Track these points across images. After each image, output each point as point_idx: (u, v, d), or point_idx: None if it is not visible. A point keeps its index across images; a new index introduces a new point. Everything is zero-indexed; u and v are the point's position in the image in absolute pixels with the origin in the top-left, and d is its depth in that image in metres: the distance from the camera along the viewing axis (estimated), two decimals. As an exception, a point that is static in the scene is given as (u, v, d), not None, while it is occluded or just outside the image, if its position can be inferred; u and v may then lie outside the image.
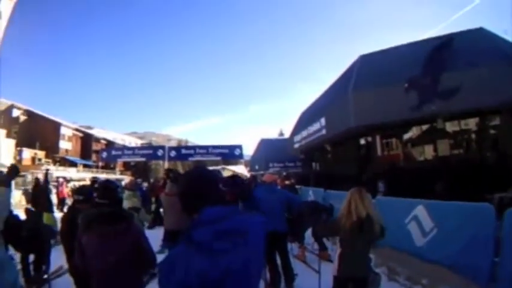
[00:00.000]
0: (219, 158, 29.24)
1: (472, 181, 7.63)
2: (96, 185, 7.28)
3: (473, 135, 11.04)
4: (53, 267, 6.56)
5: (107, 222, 2.75)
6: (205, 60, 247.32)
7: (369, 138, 12.58)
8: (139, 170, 59.67)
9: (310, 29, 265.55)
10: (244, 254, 1.50)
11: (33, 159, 49.26)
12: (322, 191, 10.38)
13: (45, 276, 6.13)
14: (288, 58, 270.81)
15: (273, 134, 59.17)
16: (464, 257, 4.65)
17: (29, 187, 19.12)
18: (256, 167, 26.60)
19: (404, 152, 12.43)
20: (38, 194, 7.37)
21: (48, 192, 9.39)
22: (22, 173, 25.47)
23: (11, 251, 5.43)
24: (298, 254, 7.72)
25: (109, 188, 3.10)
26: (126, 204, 6.70)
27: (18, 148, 45.61)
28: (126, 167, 64.37)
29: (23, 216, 6.33)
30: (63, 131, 55.99)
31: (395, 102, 9.11)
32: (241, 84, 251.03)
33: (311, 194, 11.60)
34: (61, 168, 48.47)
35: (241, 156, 28.09)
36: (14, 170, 3.78)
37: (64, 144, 56.21)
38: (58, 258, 5.88)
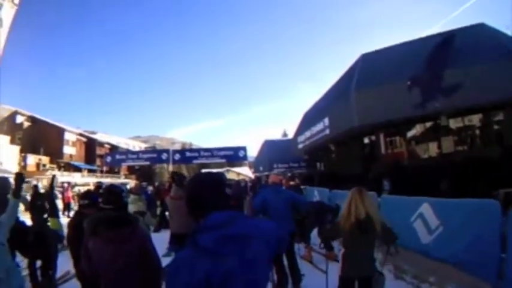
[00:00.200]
0: (223, 160, 29.24)
1: (477, 177, 7.60)
2: (100, 190, 7.29)
3: (477, 131, 11.02)
4: (60, 272, 6.58)
5: (112, 227, 2.74)
6: (207, 62, 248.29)
7: (373, 137, 12.57)
8: (143, 174, 59.74)
9: (311, 29, 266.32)
10: (248, 258, 1.50)
11: (37, 165, 49.43)
12: (328, 191, 10.35)
13: (53, 281, 6.15)
14: (289, 58, 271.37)
15: (276, 135, 59.29)
16: (470, 254, 4.63)
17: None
18: (261, 168, 26.60)
19: (409, 150, 12.40)
20: (37, 201, 7.39)
21: (53, 197, 9.41)
22: (27, 179, 25.53)
23: (18, 257, 5.45)
24: (305, 254, 7.71)
25: (114, 193, 3.09)
26: (131, 208, 6.70)
27: (23, 154, 45.72)
28: (131, 171, 64.42)
29: (29, 222, 6.35)
30: (67, 136, 56.19)
31: (398, 100, 9.10)
32: (243, 85, 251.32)
33: (316, 194, 11.58)
34: (66, 173, 48.64)
35: (245, 157, 28.15)
36: (20, 179, 3.81)
37: (68, 150, 56.42)
38: (65, 263, 5.90)
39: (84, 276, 3.44)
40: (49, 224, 6.92)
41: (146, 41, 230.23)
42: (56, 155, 52.80)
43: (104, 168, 55.38)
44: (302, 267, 6.15)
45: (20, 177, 3.85)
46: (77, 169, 55.11)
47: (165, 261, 2.83)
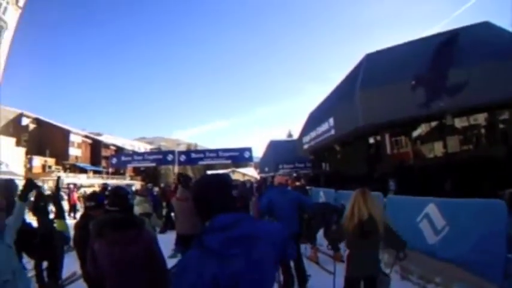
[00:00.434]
0: (229, 161, 29.22)
1: (483, 177, 7.58)
2: (106, 192, 7.30)
3: (482, 131, 10.97)
4: (67, 273, 6.63)
5: (118, 229, 2.76)
6: (212, 63, 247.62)
7: (378, 137, 12.53)
8: (149, 175, 59.96)
9: (316, 29, 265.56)
10: (254, 260, 1.51)
11: (43, 166, 49.74)
12: (334, 192, 10.34)
13: (59, 282, 6.19)
14: (294, 59, 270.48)
15: (281, 136, 59.31)
16: (476, 255, 4.61)
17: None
18: (266, 169, 26.59)
19: (414, 150, 12.37)
20: (40, 202, 7.41)
21: (59, 199, 9.44)
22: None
23: (25, 258, 5.49)
24: (311, 255, 7.72)
25: (119, 195, 3.08)
26: (137, 209, 6.69)
27: (28, 156, 46.01)
28: (136, 172, 64.65)
29: (34, 223, 6.38)
30: (73, 138, 56.54)
31: (403, 99, 9.08)
32: (248, 86, 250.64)
33: (322, 194, 11.58)
34: (71, 174, 48.96)
35: (251, 158, 28.07)
36: (30, 184, 3.85)
37: (74, 151, 56.77)
38: (71, 264, 5.94)
39: (90, 277, 3.45)
40: (55, 225, 6.95)
41: (151, 42, 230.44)
42: (61, 156, 53.11)
43: (110, 170, 55.50)
44: (308, 268, 6.18)
45: (30, 182, 3.89)
46: (83, 170, 55.39)
47: (171, 263, 2.85)
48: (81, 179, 48.09)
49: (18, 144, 42.69)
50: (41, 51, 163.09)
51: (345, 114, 11.34)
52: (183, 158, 27.50)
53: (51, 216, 7.87)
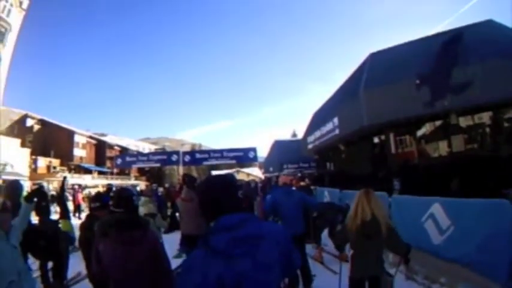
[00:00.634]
0: (233, 161, 29.23)
1: (488, 176, 7.54)
2: (111, 193, 7.33)
3: (487, 129, 10.91)
4: (72, 273, 6.66)
5: (123, 230, 2.76)
6: (216, 63, 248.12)
7: (382, 136, 12.48)
8: (153, 176, 60.15)
9: (320, 29, 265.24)
10: (259, 260, 1.53)
11: (48, 167, 50.07)
12: (338, 192, 10.34)
13: (64, 282, 6.22)
14: (298, 58, 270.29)
15: (286, 135, 59.26)
16: (482, 255, 4.60)
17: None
18: (271, 169, 26.53)
19: (419, 149, 12.33)
20: (42, 202, 7.44)
21: (64, 199, 9.49)
22: (37, 181, 25.75)
23: (30, 258, 5.53)
24: (316, 255, 7.72)
25: (124, 197, 3.08)
26: (142, 210, 6.73)
27: (33, 157, 46.24)
28: (141, 172, 64.86)
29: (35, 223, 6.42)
30: (77, 138, 56.86)
31: (407, 99, 9.03)
32: (252, 86, 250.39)
33: (326, 194, 11.57)
34: (76, 175, 49.20)
35: (255, 158, 28.10)
36: (38, 194, 3.90)
37: (78, 152, 57.07)
38: (76, 264, 5.99)
39: (95, 278, 3.46)
40: (60, 226, 6.98)
41: (155, 43, 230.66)
42: (66, 157, 53.41)
43: (114, 170, 55.69)
44: (313, 268, 6.19)
45: (39, 191, 3.94)
46: (87, 171, 55.69)
47: (176, 263, 2.86)
48: (85, 179, 48.38)
49: (23, 145, 42.84)
50: (45, 52, 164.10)
51: (349, 114, 11.30)
52: (187, 158, 27.53)
53: (56, 217, 7.92)
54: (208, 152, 30.21)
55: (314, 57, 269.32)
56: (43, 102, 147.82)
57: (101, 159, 61.85)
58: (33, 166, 45.41)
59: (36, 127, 55.12)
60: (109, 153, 62.32)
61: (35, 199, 4.05)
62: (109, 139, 66.57)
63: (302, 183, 10.38)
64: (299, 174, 12.32)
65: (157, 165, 30.86)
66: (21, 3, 36.30)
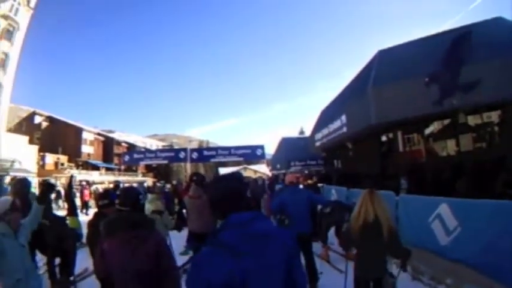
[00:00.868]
0: (241, 159, 29.23)
1: (496, 176, 7.49)
2: (118, 190, 7.35)
3: (496, 128, 10.82)
4: (79, 269, 6.71)
5: (128, 228, 2.77)
6: (224, 61, 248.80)
7: (390, 135, 12.45)
8: (160, 172, 60.37)
9: (328, 27, 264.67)
10: (267, 257, 1.56)
11: (56, 164, 50.49)
12: (345, 190, 10.32)
13: (71, 278, 6.26)
14: (307, 56, 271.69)
15: (293, 133, 59.13)
16: (488, 256, 4.58)
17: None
18: (278, 166, 26.49)
19: (427, 148, 12.24)
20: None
21: (72, 196, 9.56)
22: (45, 178, 25.91)
23: (37, 255, 5.58)
24: (322, 253, 7.72)
25: (130, 196, 3.10)
26: (149, 207, 6.76)
27: (41, 154, 46.40)
28: (148, 169, 65.11)
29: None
30: (85, 135, 57.31)
31: (416, 97, 8.98)
32: (260, 83, 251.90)
33: (334, 192, 11.55)
34: (84, 171, 49.52)
35: (263, 156, 28.05)
36: (48, 188, 3.92)
37: (86, 149, 57.52)
38: (84, 260, 6.03)
39: (98, 275, 3.48)
40: (68, 222, 7.03)
41: (164, 40, 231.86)
42: (74, 154, 53.84)
43: (122, 167, 55.96)
44: (319, 267, 6.19)
45: (48, 185, 3.95)
46: (95, 168, 56.09)
47: (182, 260, 2.87)
48: (93, 175, 48.68)
49: (31, 142, 43.03)
50: (53, 50, 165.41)
51: (357, 112, 11.25)
52: (195, 155, 27.53)
53: (64, 213, 7.97)
54: (216, 149, 30.21)
55: (322, 55, 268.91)
56: (51, 100, 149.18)
57: (109, 155, 62.25)
58: (41, 163, 45.62)
59: (44, 124, 55.57)
60: (116, 149, 62.70)
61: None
62: (117, 136, 67.00)
63: (309, 181, 10.37)
64: (306, 172, 12.29)
65: (165, 162, 30.87)
66: (29, 1, 36.47)
